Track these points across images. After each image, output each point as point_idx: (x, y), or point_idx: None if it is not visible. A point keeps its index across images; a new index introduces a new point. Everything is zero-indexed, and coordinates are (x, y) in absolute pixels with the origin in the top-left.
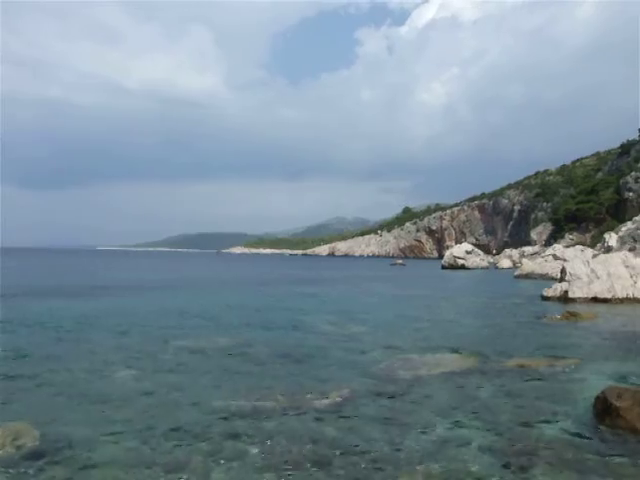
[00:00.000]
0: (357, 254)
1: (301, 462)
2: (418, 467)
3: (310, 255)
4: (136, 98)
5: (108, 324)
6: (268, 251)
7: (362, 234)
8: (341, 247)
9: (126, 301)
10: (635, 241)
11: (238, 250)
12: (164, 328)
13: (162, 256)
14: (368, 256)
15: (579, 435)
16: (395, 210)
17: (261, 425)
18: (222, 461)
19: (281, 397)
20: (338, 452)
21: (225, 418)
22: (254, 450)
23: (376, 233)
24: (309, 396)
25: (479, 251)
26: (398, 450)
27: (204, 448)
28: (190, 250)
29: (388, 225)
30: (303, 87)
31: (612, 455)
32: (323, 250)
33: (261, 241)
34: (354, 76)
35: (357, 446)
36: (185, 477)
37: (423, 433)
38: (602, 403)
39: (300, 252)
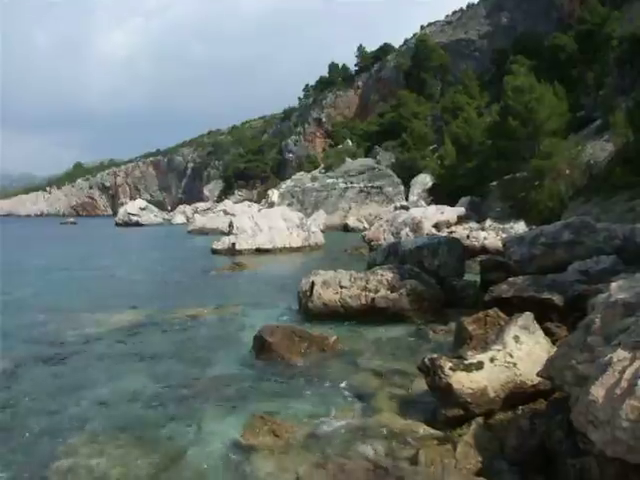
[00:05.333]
0: (23, 213)
1: None
2: (84, 433)
3: None
4: None
5: None
6: None
7: (27, 191)
8: (3, 206)
9: None
10: (293, 197)
11: None
12: None
13: None
14: (36, 215)
15: (242, 370)
16: (66, 165)
17: None
18: None
19: None
20: None
21: None
22: None
23: (45, 190)
24: None
25: (154, 208)
26: (64, 418)
27: None
28: None
29: (58, 181)
30: None
31: (267, 380)
32: None
33: None
34: (24, 13)
35: (18, 420)
36: None
37: (90, 395)
38: (259, 341)
39: None
